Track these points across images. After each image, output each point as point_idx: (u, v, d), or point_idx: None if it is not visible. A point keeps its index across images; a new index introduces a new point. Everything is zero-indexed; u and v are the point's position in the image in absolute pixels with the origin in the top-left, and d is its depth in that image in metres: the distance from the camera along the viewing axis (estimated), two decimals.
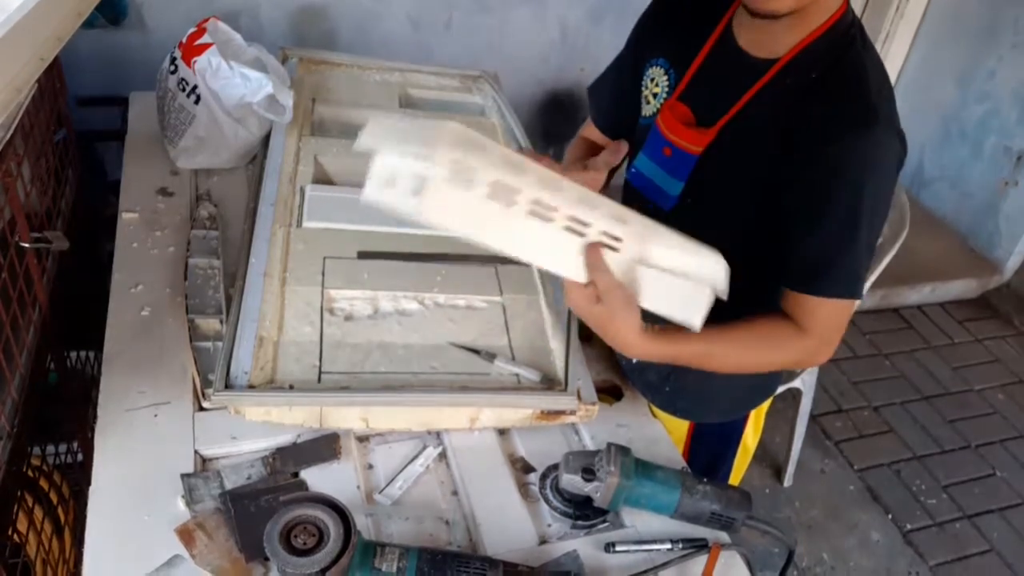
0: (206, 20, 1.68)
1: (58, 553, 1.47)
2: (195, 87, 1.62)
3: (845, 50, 1.06)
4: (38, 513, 1.41)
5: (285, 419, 1.18)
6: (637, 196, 1.26)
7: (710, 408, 1.43)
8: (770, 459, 2.60)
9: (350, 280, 1.40)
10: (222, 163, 1.74)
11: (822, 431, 2.71)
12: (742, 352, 1.14)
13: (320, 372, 1.22)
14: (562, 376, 1.31)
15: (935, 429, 2.82)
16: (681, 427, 1.43)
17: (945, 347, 3.26)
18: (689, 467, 1.28)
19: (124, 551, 0.99)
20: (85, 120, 2.29)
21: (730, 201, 1.16)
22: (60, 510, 1.51)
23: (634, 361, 1.37)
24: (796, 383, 2.25)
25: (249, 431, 1.17)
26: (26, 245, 1.36)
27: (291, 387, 1.18)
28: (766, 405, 1.47)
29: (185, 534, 1.01)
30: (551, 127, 3.32)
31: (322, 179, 1.69)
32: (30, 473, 1.44)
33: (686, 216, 1.16)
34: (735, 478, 1.56)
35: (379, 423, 1.22)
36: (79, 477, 1.58)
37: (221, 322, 1.31)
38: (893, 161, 1.05)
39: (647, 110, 1.25)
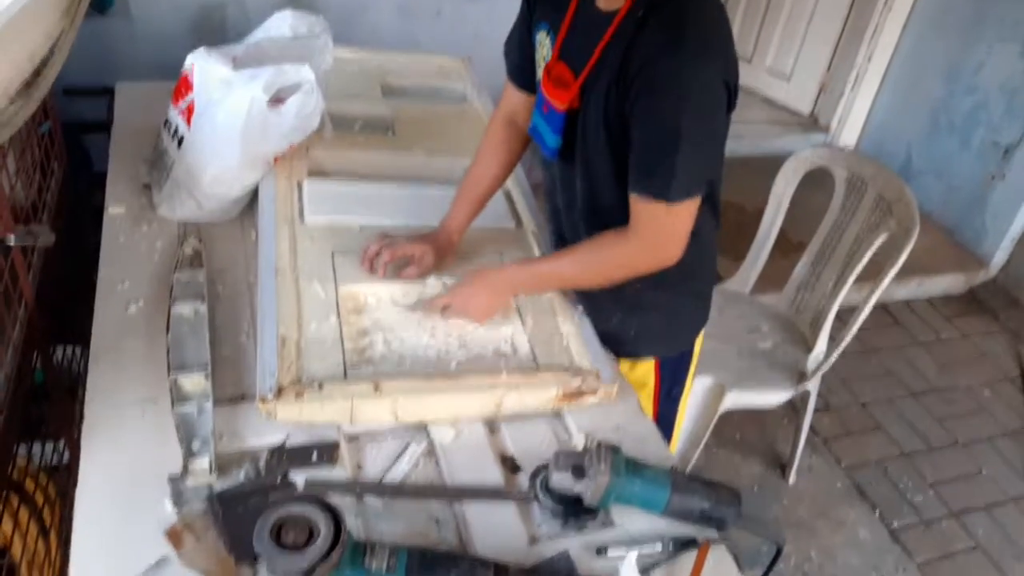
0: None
1: (44, 555, 1.45)
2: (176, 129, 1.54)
3: None
4: (23, 515, 1.39)
5: (316, 417, 1.18)
6: (535, 145, 1.44)
7: (670, 342, 1.57)
8: (759, 456, 2.61)
9: (361, 274, 1.42)
10: (205, 216, 1.60)
11: (810, 429, 2.72)
12: (579, 260, 1.34)
13: (346, 368, 1.24)
14: (578, 360, 1.36)
15: (922, 426, 2.84)
16: (648, 366, 1.55)
17: (932, 343, 3.28)
18: (658, 398, 1.54)
19: (111, 553, 0.98)
20: (71, 111, 2.26)
21: (594, 148, 1.29)
22: (46, 511, 1.50)
23: (578, 306, 1.49)
24: (808, 385, 2.26)
25: (238, 432, 1.16)
26: (11, 239, 1.34)
27: (320, 386, 1.18)
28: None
29: (173, 535, 1.00)
30: None
31: (316, 172, 1.69)
32: (15, 474, 1.42)
33: (564, 164, 1.37)
34: (686, 396, 1.69)
35: (408, 415, 1.23)
36: (65, 478, 1.56)
37: (206, 376, 1.20)
38: (704, 79, 1.14)
39: (539, 73, 1.36)
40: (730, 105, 1.20)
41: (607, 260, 1.33)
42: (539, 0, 1.35)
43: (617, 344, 1.48)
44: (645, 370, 1.56)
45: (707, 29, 1.15)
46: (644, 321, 1.48)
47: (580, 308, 1.47)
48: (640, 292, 1.42)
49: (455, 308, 1.37)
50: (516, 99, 1.49)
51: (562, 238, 1.54)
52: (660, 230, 1.26)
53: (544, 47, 1.32)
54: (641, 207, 1.24)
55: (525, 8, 1.39)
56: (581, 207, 1.40)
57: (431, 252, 1.44)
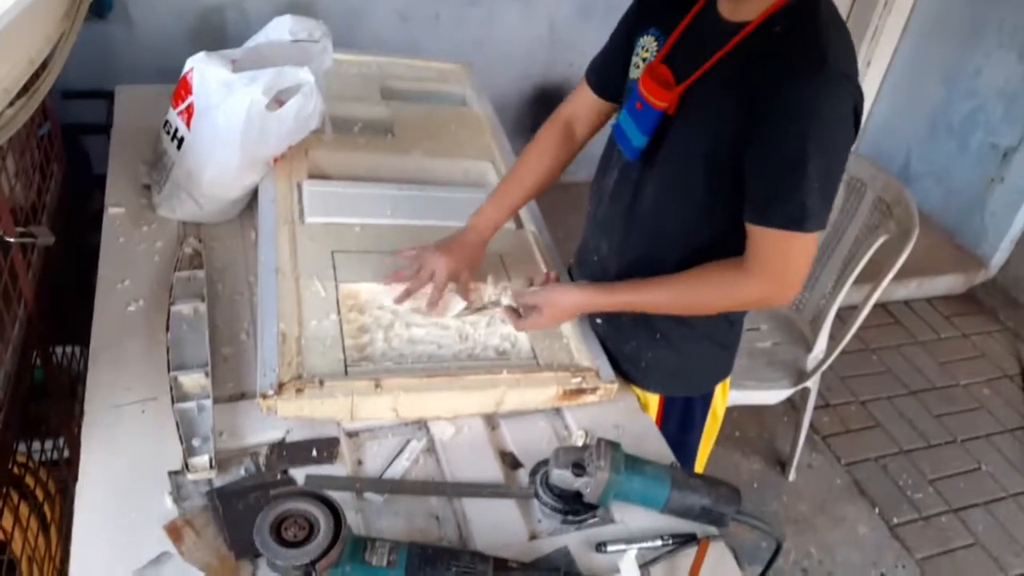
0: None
1: (44, 550, 1.46)
2: (176, 130, 1.53)
3: (806, 10, 1.10)
4: (24, 510, 1.40)
5: (317, 413, 1.18)
6: (614, 146, 1.37)
7: (681, 383, 1.49)
8: (759, 453, 2.61)
9: (362, 273, 1.42)
10: (205, 217, 1.60)
11: (810, 426, 2.71)
12: (680, 291, 1.26)
13: (346, 365, 1.24)
14: (578, 358, 1.37)
15: (921, 424, 2.84)
16: (653, 398, 1.48)
17: (931, 342, 3.28)
18: (661, 435, 1.40)
19: (111, 548, 0.99)
20: (70, 114, 2.27)
21: (686, 157, 1.21)
22: (46, 507, 1.50)
23: (597, 321, 1.46)
24: (808, 383, 2.26)
25: (238, 429, 1.17)
26: (11, 240, 1.35)
27: (321, 382, 1.19)
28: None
29: (174, 531, 1.00)
30: (538, 121, 3.31)
31: (316, 173, 1.69)
32: (15, 470, 1.43)
33: (643, 167, 1.29)
34: (706, 444, 1.61)
35: (408, 412, 1.24)
36: (65, 474, 1.57)
37: (206, 374, 1.21)
38: (842, 106, 1.08)
39: (635, 73, 1.30)
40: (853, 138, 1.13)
41: (716, 294, 1.25)
42: (651, 5, 1.30)
43: (625, 371, 1.44)
44: (650, 403, 1.50)
45: (846, 54, 1.09)
46: (658, 356, 1.42)
47: (599, 322, 1.45)
48: (667, 327, 1.38)
49: (531, 325, 1.35)
50: (586, 103, 1.45)
51: (591, 246, 1.48)
52: (788, 264, 1.17)
53: (648, 51, 1.27)
54: (767, 238, 1.14)
55: (633, 11, 1.35)
56: (644, 217, 1.33)
57: (453, 267, 1.39)
